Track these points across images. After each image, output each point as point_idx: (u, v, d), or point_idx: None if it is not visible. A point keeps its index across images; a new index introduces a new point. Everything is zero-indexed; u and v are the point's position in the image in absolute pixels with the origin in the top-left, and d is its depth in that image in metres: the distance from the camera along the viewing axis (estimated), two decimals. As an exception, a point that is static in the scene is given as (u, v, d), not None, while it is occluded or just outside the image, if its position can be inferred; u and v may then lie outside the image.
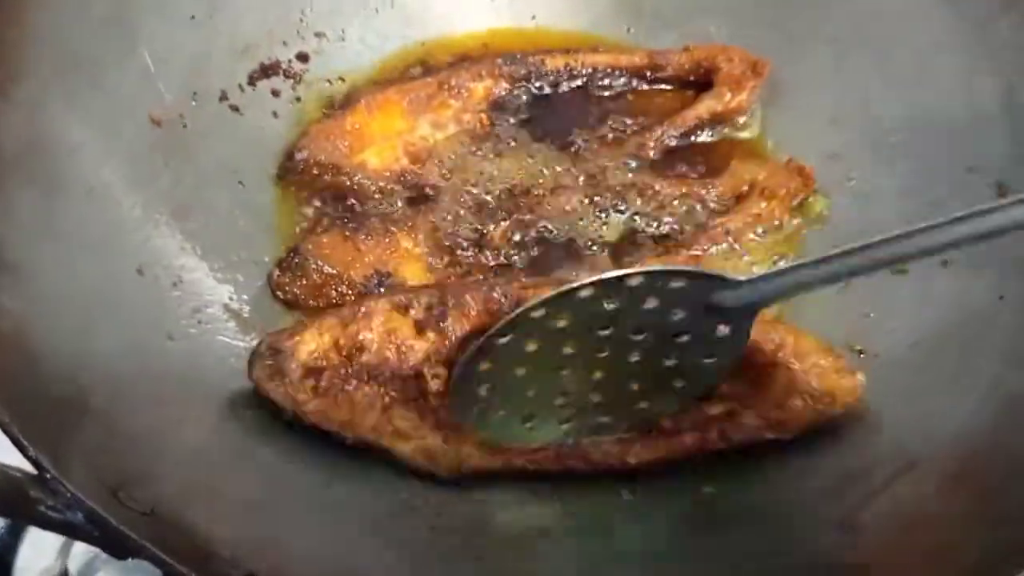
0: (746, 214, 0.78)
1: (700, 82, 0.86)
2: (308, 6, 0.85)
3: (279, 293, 0.75)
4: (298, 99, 0.84)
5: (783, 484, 0.65)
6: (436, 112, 0.83)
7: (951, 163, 0.75)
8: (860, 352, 0.71)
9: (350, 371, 0.65)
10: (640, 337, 0.61)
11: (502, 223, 0.78)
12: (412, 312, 0.67)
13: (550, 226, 0.78)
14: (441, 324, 0.66)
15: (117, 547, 0.51)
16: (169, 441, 0.59)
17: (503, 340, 0.60)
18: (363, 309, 0.67)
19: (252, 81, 0.81)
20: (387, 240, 0.76)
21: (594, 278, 0.58)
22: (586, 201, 0.79)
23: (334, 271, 0.74)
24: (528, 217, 0.78)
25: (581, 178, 0.81)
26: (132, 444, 0.57)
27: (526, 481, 0.66)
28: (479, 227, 0.78)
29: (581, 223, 0.79)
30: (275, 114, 0.82)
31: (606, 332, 0.60)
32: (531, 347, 0.61)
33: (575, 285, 0.58)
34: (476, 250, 0.77)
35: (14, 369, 0.55)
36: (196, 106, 0.77)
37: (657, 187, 0.80)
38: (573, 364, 0.62)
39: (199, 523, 0.54)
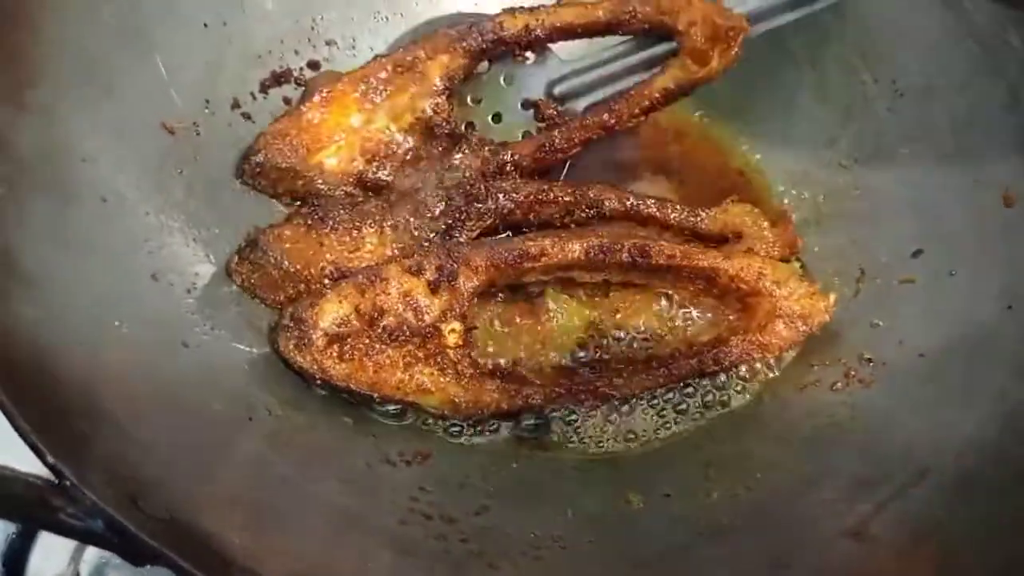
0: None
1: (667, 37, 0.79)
2: (319, 15, 0.85)
3: (235, 279, 0.73)
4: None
5: (793, 492, 0.66)
6: (392, 100, 0.78)
7: (957, 173, 0.75)
8: (868, 361, 0.72)
9: (372, 335, 0.68)
10: None
11: (473, 231, 0.75)
12: (424, 274, 0.70)
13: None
14: (452, 282, 0.70)
15: (136, 554, 0.52)
16: (185, 448, 0.60)
17: None
18: (378, 276, 0.70)
19: (264, 89, 0.81)
20: (352, 236, 0.74)
21: None
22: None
23: (292, 268, 0.72)
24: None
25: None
26: (148, 451, 0.57)
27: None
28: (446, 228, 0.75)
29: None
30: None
31: None
32: None
33: None
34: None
35: (31, 377, 0.55)
36: (209, 114, 0.77)
37: (643, 206, 0.77)
38: None
39: (216, 530, 0.54)
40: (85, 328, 0.61)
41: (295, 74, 0.83)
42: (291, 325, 0.68)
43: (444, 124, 0.78)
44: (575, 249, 0.72)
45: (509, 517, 0.66)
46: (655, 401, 0.74)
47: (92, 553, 0.74)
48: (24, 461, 0.51)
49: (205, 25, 0.78)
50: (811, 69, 0.85)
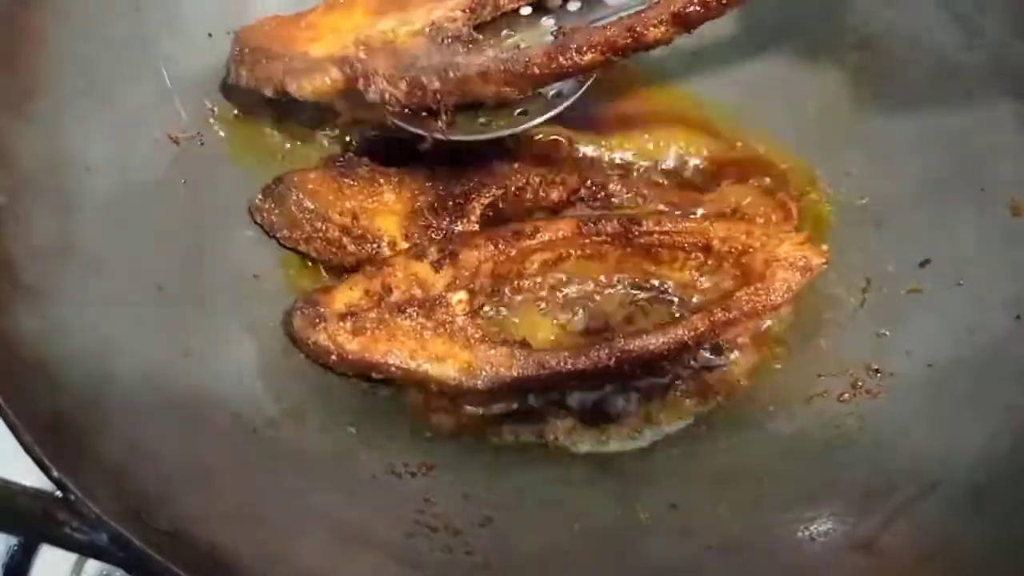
0: (725, 231, 0.77)
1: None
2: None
3: (256, 217, 0.76)
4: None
5: (801, 504, 0.65)
6: (406, 9, 0.75)
7: (964, 182, 0.75)
8: (876, 371, 0.71)
9: (381, 309, 0.70)
10: None
11: (485, 198, 0.78)
12: (428, 257, 0.73)
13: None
14: (454, 260, 0.72)
15: (140, 568, 0.51)
16: (189, 460, 0.59)
17: None
18: (384, 263, 0.72)
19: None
20: (371, 188, 0.77)
21: None
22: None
23: (312, 207, 0.75)
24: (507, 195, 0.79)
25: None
26: (153, 464, 0.56)
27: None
28: (461, 199, 0.78)
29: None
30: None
31: None
32: None
33: None
34: (453, 218, 0.77)
35: (36, 390, 0.55)
36: (213, 123, 0.78)
37: (646, 191, 0.81)
38: None
39: (221, 543, 0.54)
40: (89, 339, 0.61)
41: (299, 81, 0.83)
42: (305, 307, 0.70)
43: (457, 31, 0.74)
44: (568, 224, 0.75)
45: (514, 529, 0.65)
46: (662, 404, 0.74)
47: (93, 566, 0.74)
48: (28, 475, 0.51)
49: (209, 35, 0.78)
50: (819, 78, 0.84)
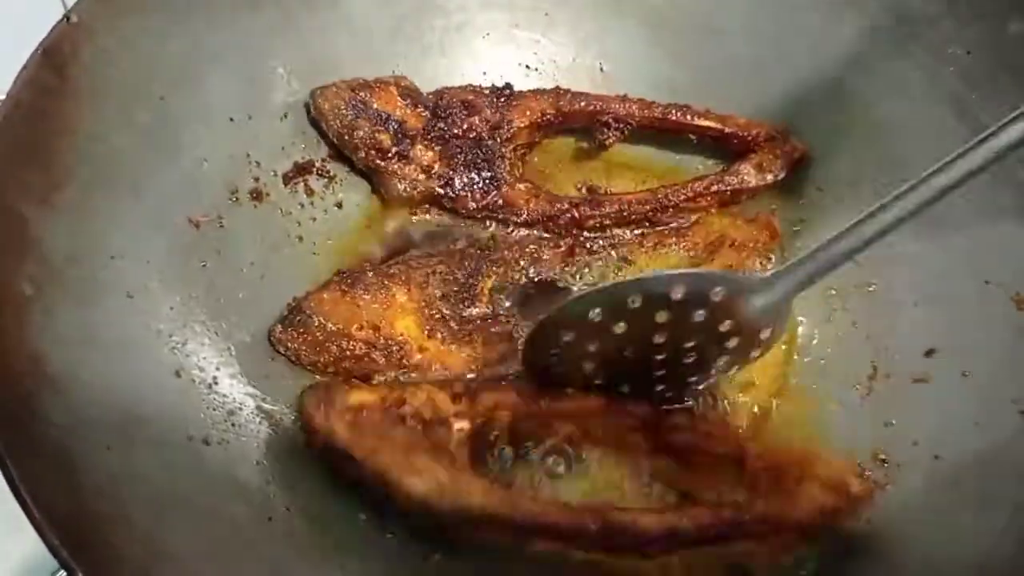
0: (720, 264, 0.83)
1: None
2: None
3: (279, 348, 0.77)
4: (338, 205, 0.86)
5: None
6: None
7: (969, 275, 0.76)
8: (883, 461, 0.72)
9: (387, 414, 0.71)
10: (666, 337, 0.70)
11: (489, 278, 0.82)
12: (451, 388, 0.74)
13: (531, 274, 0.84)
14: (473, 396, 0.73)
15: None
16: (209, 555, 0.60)
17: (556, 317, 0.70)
18: (411, 384, 0.74)
19: (287, 181, 0.83)
20: (382, 294, 0.79)
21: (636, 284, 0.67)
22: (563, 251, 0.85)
23: (335, 328, 0.76)
24: (509, 271, 0.83)
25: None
26: (176, 562, 0.57)
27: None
28: (467, 284, 0.81)
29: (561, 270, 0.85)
30: (312, 218, 0.85)
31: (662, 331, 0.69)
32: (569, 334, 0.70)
33: (620, 290, 0.67)
34: (466, 303, 0.80)
35: (59, 485, 0.56)
36: (233, 205, 0.79)
37: (628, 236, 0.87)
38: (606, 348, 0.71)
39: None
40: (111, 431, 0.61)
41: (317, 165, 0.85)
42: (320, 388, 0.72)
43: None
44: (595, 401, 0.75)
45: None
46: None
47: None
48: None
49: (231, 119, 0.80)
50: (823, 164, 0.86)
